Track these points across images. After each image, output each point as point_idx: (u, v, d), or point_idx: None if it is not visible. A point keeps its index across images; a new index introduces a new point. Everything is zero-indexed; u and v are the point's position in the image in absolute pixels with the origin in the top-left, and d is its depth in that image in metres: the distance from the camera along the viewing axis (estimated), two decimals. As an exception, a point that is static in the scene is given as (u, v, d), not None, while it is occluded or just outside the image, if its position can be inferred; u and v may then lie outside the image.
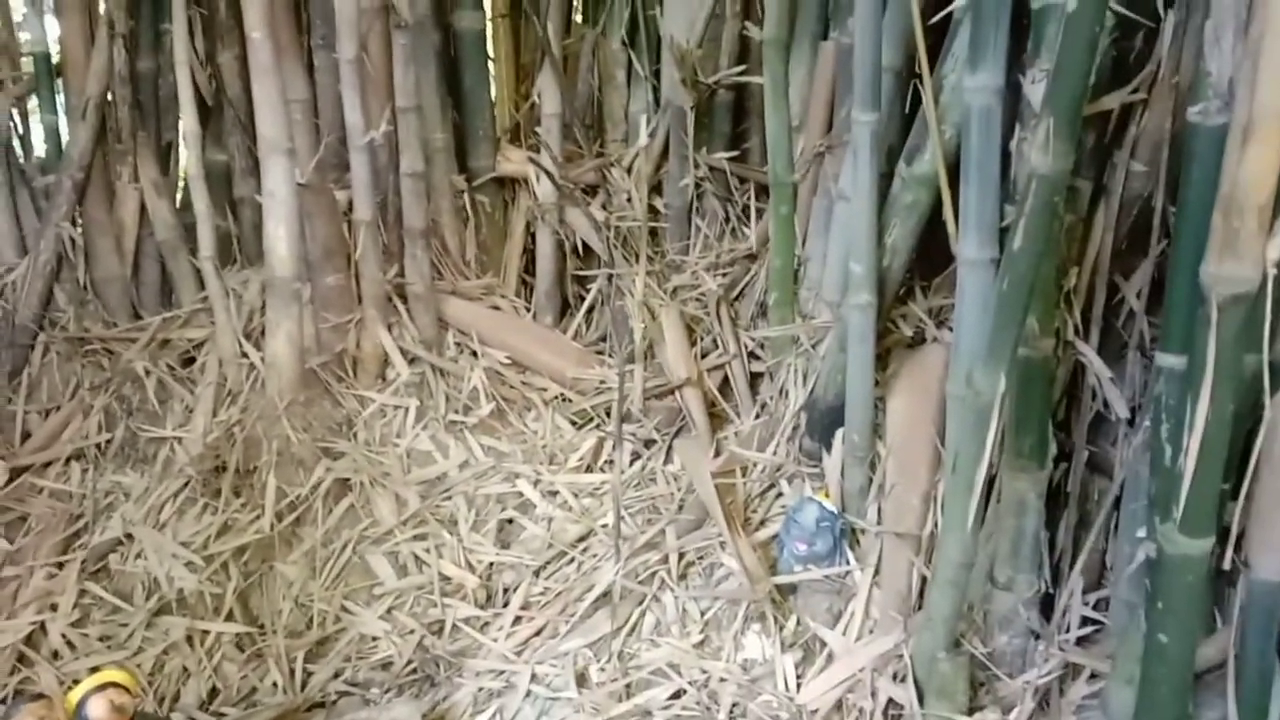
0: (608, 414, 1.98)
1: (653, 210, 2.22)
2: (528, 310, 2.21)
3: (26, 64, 2.13)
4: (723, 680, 1.52)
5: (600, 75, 2.29)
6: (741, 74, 2.11)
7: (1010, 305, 1.14)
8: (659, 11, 2.18)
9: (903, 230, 1.52)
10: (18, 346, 2.03)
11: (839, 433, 1.61)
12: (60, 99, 2.14)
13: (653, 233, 2.22)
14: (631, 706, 1.51)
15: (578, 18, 2.36)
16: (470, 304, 2.11)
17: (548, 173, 2.14)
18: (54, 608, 1.68)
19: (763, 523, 1.69)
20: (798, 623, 1.56)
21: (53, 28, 2.12)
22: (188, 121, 2.02)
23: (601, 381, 2.04)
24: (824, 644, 1.53)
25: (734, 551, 1.56)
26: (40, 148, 2.15)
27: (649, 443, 1.96)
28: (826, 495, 1.59)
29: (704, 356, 2.03)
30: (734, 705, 1.49)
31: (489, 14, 2.31)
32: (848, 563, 1.55)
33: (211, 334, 2.04)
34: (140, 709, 1.36)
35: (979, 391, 1.17)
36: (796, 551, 1.54)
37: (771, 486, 1.73)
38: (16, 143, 2.10)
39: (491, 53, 2.35)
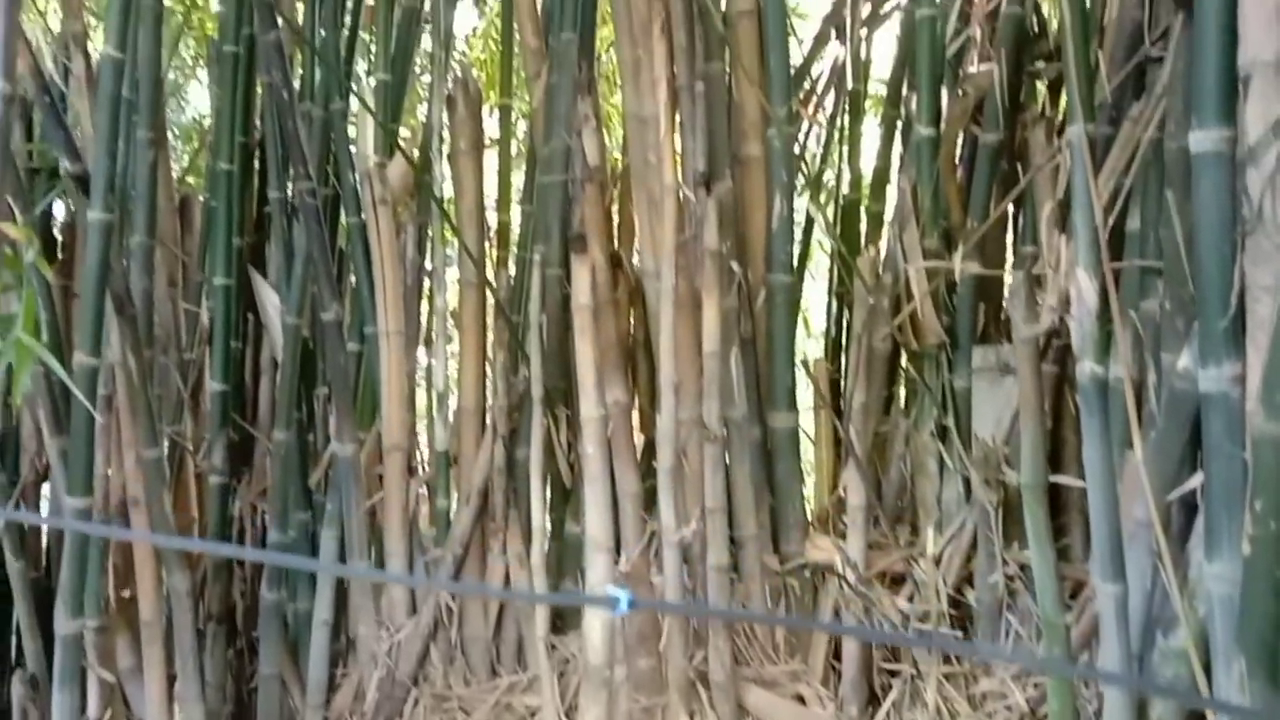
0: (898, 832, 1.91)
1: (961, 606, 2.19)
2: (833, 701, 2.23)
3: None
4: None
5: (912, 464, 2.36)
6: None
7: None
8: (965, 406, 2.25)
9: (1167, 708, 1.38)
10: (395, 699, 2.40)
11: None
12: (452, 486, 2.61)
13: (964, 632, 2.18)
14: None
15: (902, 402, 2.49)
16: (771, 693, 2.18)
17: (851, 564, 2.21)
18: None
19: None
20: None
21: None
22: (535, 513, 2.37)
23: (897, 793, 1.98)
24: None
25: None
26: (429, 526, 2.61)
27: None
28: None
29: (1004, 780, 1.91)
30: None
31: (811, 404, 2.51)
32: None
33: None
34: None
35: None
36: None
37: None
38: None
39: (812, 435, 2.53)
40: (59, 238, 2.61)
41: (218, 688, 2.53)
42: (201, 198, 2.89)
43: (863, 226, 2.64)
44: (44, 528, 2.25)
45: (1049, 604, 1.67)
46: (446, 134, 2.67)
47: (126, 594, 2.02)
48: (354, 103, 2.75)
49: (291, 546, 2.60)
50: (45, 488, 2.40)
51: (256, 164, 2.81)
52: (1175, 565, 1.31)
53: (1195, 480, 1.29)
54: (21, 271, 1.26)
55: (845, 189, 2.75)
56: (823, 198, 2.88)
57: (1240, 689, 1.01)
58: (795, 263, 2.71)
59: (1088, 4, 1.97)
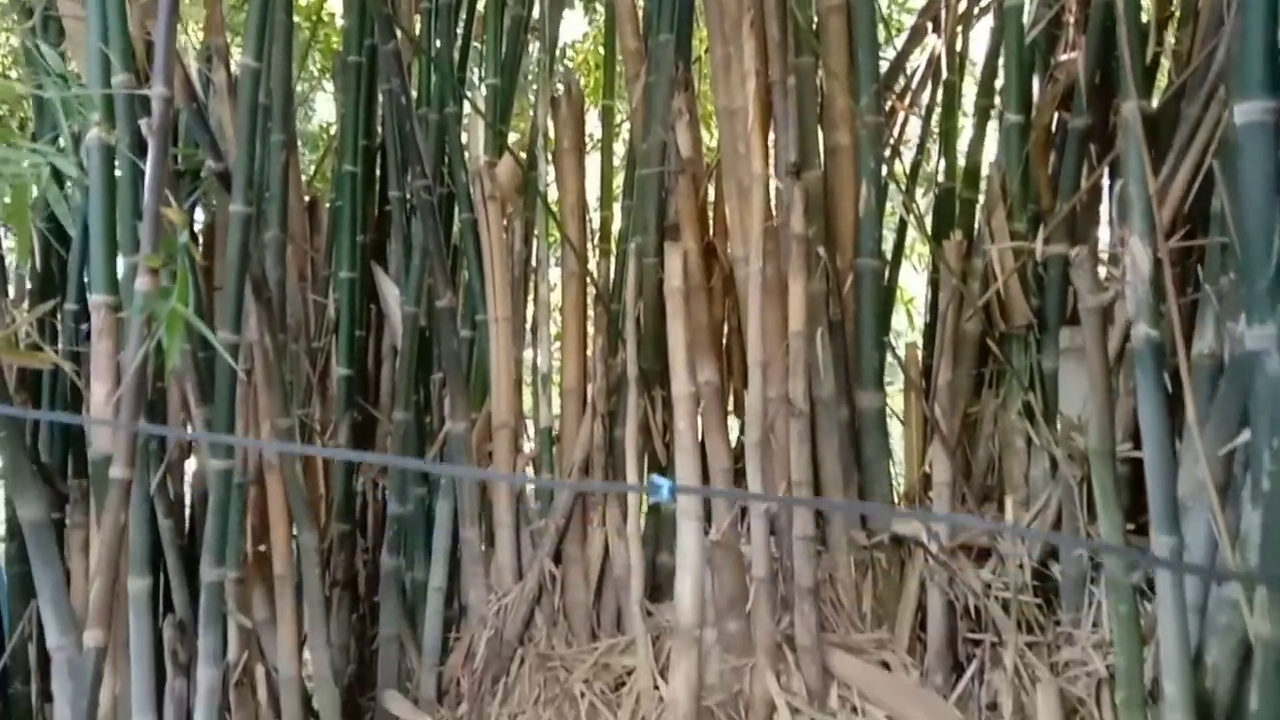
0: (979, 793, 1.96)
1: (1047, 579, 2.23)
2: (918, 669, 2.29)
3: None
4: None
5: (1000, 443, 2.41)
6: (1133, 449, 2.11)
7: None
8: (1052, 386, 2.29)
9: (1222, 651, 1.42)
10: (502, 658, 2.57)
11: None
12: (555, 462, 2.77)
13: (1047, 603, 2.22)
14: None
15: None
16: (857, 659, 2.26)
17: (934, 535, 2.28)
18: None
19: None
20: None
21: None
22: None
23: (977, 756, 2.04)
24: None
25: None
26: (534, 499, 2.77)
27: (1014, 834, 1.90)
28: None
29: (1082, 744, 1.95)
30: None
31: (901, 385, 2.57)
32: None
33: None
34: None
35: None
36: None
37: None
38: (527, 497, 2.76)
39: (901, 415, 2.60)
40: (199, 237, 2.87)
41: (341, 648, 2.74)
42: (328, 200, 3.12)
43: (956, 215, 2.69)
44: (187, 493, 2.48)
45: (1115, 562, 1.72)
46: (552, 134, 2.83)
47: (262, 548, 2.23)
48: (466, 106, 2.94)
49: (409, 518, 2.79)
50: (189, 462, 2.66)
51: (378, 166, 3.03)
52: (1228, 520, 1.36)
53: (1245, 435, 1.33)
54: (175, 250, 1.46)
55: (941, 178, 2.81)
56: (920, 189, 2.94)
57: (1263, 615, 1.06)
58: (893, 252, 2.79)
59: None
